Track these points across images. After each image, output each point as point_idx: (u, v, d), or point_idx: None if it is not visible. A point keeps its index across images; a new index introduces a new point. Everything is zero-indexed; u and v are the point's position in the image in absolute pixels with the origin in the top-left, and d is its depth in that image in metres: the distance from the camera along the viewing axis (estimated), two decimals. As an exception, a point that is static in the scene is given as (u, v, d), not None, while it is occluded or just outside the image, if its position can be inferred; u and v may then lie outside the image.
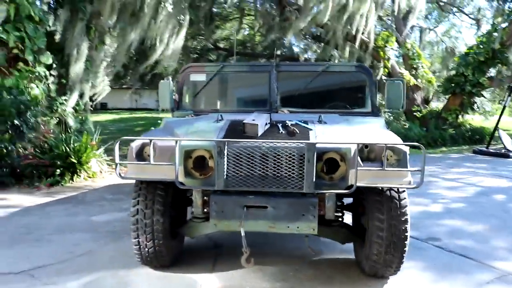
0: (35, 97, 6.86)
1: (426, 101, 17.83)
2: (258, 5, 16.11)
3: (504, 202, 6.72)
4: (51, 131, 7.37)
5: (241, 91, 5.04)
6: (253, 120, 3.54)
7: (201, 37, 19.30)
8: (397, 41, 16.54)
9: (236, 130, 3.51)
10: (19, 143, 6.45)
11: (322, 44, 17.38)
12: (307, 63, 5.18)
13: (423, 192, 6.97)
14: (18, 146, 6.65)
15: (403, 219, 3.37)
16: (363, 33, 13.41)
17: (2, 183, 6.76)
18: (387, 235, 3.38)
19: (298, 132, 3.50)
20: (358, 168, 3.11)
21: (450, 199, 6.76)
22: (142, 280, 3.65)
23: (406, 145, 3.28)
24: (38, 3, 8.11)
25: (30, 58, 7.39)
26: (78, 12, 8.35)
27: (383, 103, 4.72)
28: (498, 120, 13.65)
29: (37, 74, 7.53)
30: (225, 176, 3.24)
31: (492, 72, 16.14)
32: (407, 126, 15.62)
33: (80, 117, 9.14)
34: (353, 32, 13.12)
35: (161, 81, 4.83)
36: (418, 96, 16.33)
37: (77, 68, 8.16)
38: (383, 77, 15.33)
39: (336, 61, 16.94)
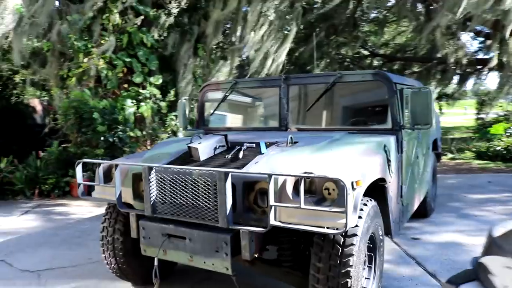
0: (123, 115, 7.71)
1: None
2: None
3: None
4: (148, 143, 8.23)
5: (252, 108, 4.76)
6: (199, 143, 3.34)
7: (355, 43, 18.63)
8: None
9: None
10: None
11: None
12: (318, 74, 4.55)
13: None
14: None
15: (343, 271, 2.70)
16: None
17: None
18: (322, 288, 2.75)
19: (241, 157, 3.16)
20: (272, 204, 2.63)
21: None
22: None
23: (319, 177, 2.64)
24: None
25: (138, 80, 8.38)
26: (187, 34, 9.11)
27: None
28: None
29: (145, 94, 8.47)
30: (151, 202, 3.14)
31: None
32: None
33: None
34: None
35: (179, 100, 4.92)
36: None
37: (183, 85, 8.89)
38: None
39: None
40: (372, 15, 18.75)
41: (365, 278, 3.10)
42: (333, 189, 2.70)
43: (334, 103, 4.21)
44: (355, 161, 2.99)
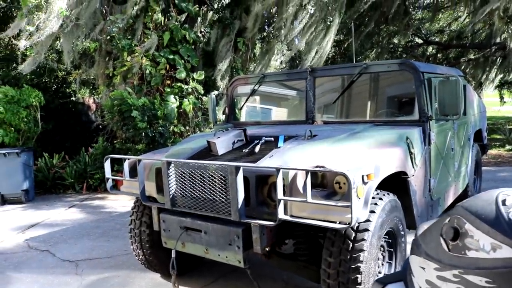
0: (162, 111, 7.92)
1: None
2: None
3: None
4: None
5: (280, 101, 4.74)
6: (218, 137, 3.39)
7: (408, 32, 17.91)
8: None
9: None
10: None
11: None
12: (344, 65, 4.42)
13: None
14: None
15: (353, 266, 2.65)
16: None
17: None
18: (333, 283, 2.72)
19: (257, 151, 3.19)
20: (280, 198, 2.63)
21: None
22: (141, 284, 3.94)
23: (318, 170, 2.58)
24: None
25: (181, 76, 8.58)
26: (227, 29, 9.20)
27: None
28: None
29: (188, 89, 8.66)
30: (170, 195, 3.23)
31: None
32: None
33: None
34: None
35: (209, 95, 4.99)
36: None
37: (220, 80, 8.99)
38: None
39: None
40: (425, 1, 18.00)
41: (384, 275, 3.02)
42: (344, 183, 2.65)
43: (361, 95, 4.10)
44: (370, 154, 2.91)
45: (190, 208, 3.16)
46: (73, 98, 12.16)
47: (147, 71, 8.39)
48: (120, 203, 7.23)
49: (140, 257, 3.88)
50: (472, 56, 17.15)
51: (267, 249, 2.92)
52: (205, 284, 3.86)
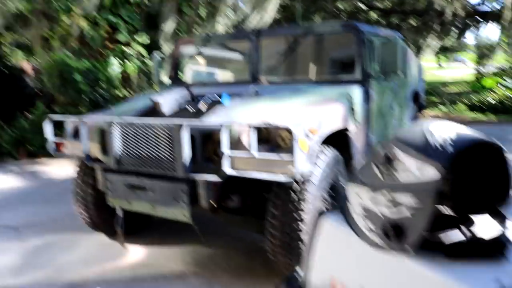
0: (105, 75, 7.67)
1: None
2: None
3: None
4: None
5: (225, 63, 4.73)
6: (162, 96, 3.36)
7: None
8: None
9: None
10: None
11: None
12: (289, 27, 4.49)
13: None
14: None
15: (297, 217, 2.75)
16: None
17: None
18: (279, 234, 2.83)
19: (203, 109, 3.19)
20: (225, 153, 2.67)
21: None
22: (87, 245, 3.91)
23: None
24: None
25: (123, 38, 8.28)
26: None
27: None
28: None
29: (131, 52, 8.40)
30: (115, 155, 3.18)
31: None
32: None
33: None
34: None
35: (152, 56, 4.88)
36: None
37: (164, 42, 8.79)
38: None
39: None
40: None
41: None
42: (288, 138, 2.73)
43: (305, 56, 4.17)
44: (313, 110, 3.00)
45: (135, 167, 3.14)
46: (7, 62, 11.40)
47: (88, 34, 8.02)
48: (63, 169, 7.00)
49: (86, 218, 3.84)
50: (412, 23, 17.69)
51: (213, 204, 2.97)
52: (154, 242, 3.90)
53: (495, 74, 16.54)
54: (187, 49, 4.73)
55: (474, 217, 1.20)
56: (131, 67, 8.28)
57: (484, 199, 1.16)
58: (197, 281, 3.18)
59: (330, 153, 3.04)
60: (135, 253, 3.70)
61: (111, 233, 3.91)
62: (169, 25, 8.77)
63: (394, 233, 1.01)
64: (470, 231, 1.15)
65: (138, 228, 4.06)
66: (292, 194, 2.78)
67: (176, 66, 4.80)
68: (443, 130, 1.03)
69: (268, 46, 4.25)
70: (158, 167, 3.01)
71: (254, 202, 3.25)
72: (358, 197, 1.11)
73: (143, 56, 8.65)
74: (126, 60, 8.36)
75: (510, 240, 1.06)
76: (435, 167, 0.95)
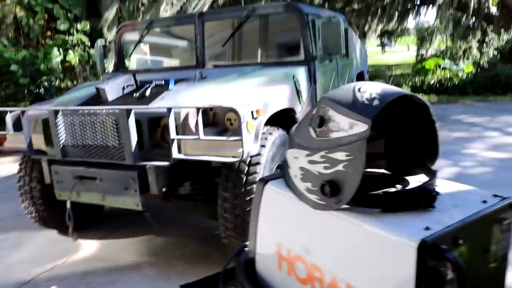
0: (46, 65, 7.38)
1: None
2: None
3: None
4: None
5: (170, 47, 4.68)
6: (107, 83, 3.29)
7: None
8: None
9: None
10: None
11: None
12: (232, 9, 4.52)
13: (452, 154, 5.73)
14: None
15: (248, 198, 2.80)
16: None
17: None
18: (232, 217, 2.86)
19: (148, 95, 3.15)
20: (173, 137, 2.66)
21: (478, 162, 5.42)
22: (37, 242, 3.78)
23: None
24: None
25: (63, 27, 7.95)
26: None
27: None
28: None
29: (73, 41, 8.08)
30: (60, 146, 3.10)
31: None
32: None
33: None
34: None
35: (95, 43, 4.75)
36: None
37: (107, 30, 8.55)
38: (493, 11, 12.73)
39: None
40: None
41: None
42: (235, 120, 2.76)
43: (249, 38, 4.19)
44: (259, 91, 3.05)
45: (82, 157, 3.07)
46: None
47: (24, 22, 7.64)
48: (5, 166, 6.69)
49: (33, 214, 3.72)
50: (356, 6, 18.09)
51: (164, 190, 2.96)
52: (106, 235, 3.84)
53: (435, 56, 17.29)
54: (131, 35, 4.62)
55: (409, 177, 1.30)
56: (74, 57, 7.98)
57: (415, 157, 1.25)
58: (152, 271, 3.16)
59: (277, 133, 3.10)
60: (88, 247, 3.62)
61: (62, 229, 3.80)
62: (111, 12, 8.52)
63: (330, 190, 1.08)
64: (404, 188, 1.24)
65: (89, 221, 3.98)
66: (242, 175, 2.83)
67: (120, 53, 4.69)
68: (370, 87, 1.10)
69: (212, 30, 4.24)
70: (106, 155, 2.96)
71: (206, 187, 3.27)
72: (297, 160, 1.17)
73: (85, 45, 8.35)
74: (68, 50, 8.03)
75: (439, 192, 1.15)
76: (364, 120, 1.02)
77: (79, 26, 8.26)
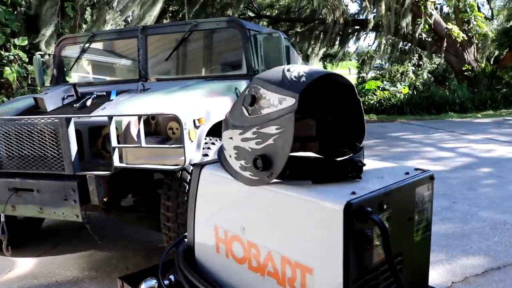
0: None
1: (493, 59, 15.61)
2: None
3: (482, 177, 5.56)
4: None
5: (112, 61, 4.66)
6: (46, 93, 3.23)
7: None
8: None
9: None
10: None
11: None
12: (175, 23, 4.61)
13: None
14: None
15: (193, 206, 2.82)
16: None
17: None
18: (173, 225, 2.87)
19: (89, 105, 3.13)
20: (114, 146, 2.65)
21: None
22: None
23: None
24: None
25: (-1, 42, 7.64)
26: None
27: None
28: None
29: (9, 57, 7.79)
30: (-4, 157, 2.98)
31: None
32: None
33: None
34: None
35: (34, 56, 4.64)
36: (470, 54, 14.25)
37: (45, 46, 8.32)
38: (424, 35, 13.71)
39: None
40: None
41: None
42: (177, 129, 2.81)
43: (192, 52, 4.26)
44: (200, 101, 3.11)
45: (19, 168, 2.98)
46: None
47: (-45, 36, 7.28)
48: None
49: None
50: (299, 30, 18.77)
51: (105, 200, 2.92)
52: (44, 251, 3.69)
53: (375, 78, 18.20)
54: (71, 49, 4.55)
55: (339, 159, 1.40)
56: (10, 72, 7.66)
57: (344, 138, 1.36)
58: (93, 286, 3.08)
59: (220, 143, 3.16)
60: (24, 264, 3.46)
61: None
62: (50, 28, 8.30)
63: (262, 163, 1.15)
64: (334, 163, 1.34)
65: (26, 238, 3.82)
66: (184, 184, 2.85)
67: (60, 66, 4.59)
68: (298, 68, 1.20)
69: (156, 44, 4.28)
70: (44, 166, 2.89)
71: (148, 199, 3.26)
72: (231, 140, 1.24)
73: (23, 60, 8.05)
74: (4, 66, 7.71)
75: (365, 164, 1.27)
76: (291, 95, 1.11)
77: (16, 41, 7.97)
